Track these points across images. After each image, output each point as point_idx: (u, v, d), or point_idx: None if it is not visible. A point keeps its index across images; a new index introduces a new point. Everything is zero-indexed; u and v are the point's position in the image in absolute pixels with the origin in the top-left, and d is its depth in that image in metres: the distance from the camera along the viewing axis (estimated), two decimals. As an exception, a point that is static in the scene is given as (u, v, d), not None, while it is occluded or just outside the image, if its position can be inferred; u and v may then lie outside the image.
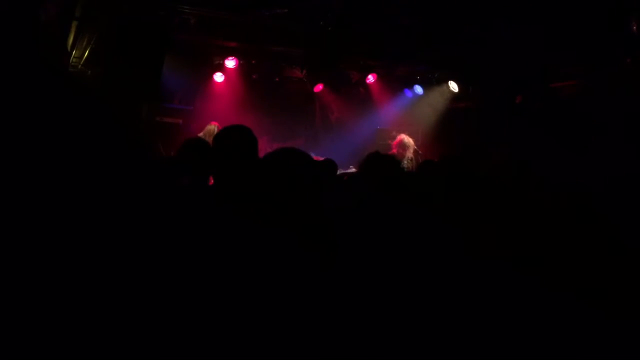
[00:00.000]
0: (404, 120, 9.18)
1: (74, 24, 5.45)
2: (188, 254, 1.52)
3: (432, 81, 9.24)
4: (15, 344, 0.93)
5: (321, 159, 5.44)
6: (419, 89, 9.22)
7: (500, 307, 1.86)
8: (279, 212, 1.72)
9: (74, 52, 6.08)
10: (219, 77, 7.97)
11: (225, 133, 2.50)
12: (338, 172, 4.84)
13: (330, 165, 4.62)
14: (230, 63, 7.73)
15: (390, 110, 9.47)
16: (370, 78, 8.84)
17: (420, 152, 7.29)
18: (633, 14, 5.72)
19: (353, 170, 6.59)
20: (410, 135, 7.37)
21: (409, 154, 7.02)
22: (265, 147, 7.94)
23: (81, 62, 6.29)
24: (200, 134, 6.76)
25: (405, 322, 1.72)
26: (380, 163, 2.54)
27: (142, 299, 1.18)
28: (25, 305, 0.95)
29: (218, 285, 1.54)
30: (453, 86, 8.91)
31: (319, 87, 8.86)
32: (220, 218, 1.82)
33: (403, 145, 7.03)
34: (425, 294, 1.82)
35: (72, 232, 1.02)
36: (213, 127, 6.94)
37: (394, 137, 8.26)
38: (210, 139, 2.52)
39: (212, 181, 2.51)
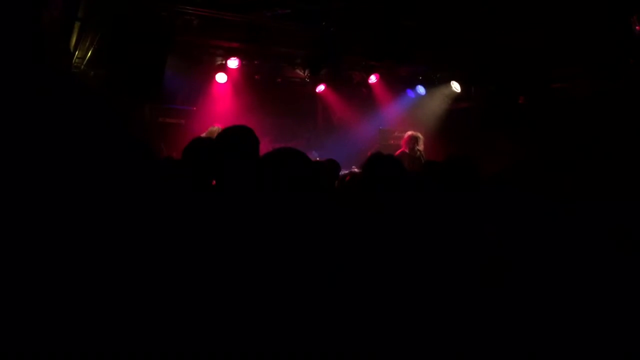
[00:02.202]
0: (407, 121, 9.18)
1: (77, 24, 5.46)
2: (188, 253, 1.52)
3: (435, 81, 9.24)
4: (15, 342, 0.93)
5: (321, 159, 5.42)
6: (421, 89, 9.22)
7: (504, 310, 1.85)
8: (277, 212, 1.72)
9: (76, 53, 6.09)
10: (221, 77, 7.97)
11: (227, 133, 2.50)
12: (341, 173, 4.83)
13: (333, 165, 4.62)
14: (233, 63, 7.72)
15: (392, 111, 9.47)
16: (373, 78, 8.84)
17: (423, 154, 7.29)
18: (636, 15, 5.70)
19: (356, 170, 6.58)
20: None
21: (420, 146, 7.06)
22: (267, 147, 7.92)
23: (84, 63, 6.29)
24: (203, 135, 6.76)
25: (408, 324, 1.72)
26: (382, 163, 2.54)
27: (145, 296, 1.18)
28: (26, 303, 0.95)
29: (217, 284, 1.54)
30: (455, 86, 8.91)
31: (321, 88, 8.87)
32: (221, 218, 1.82)
33: (413, 140, 7.06)
34: (429, 296, 1.82)
35: (77, 231, 1.02)
36: (216, 128, 6.93)
37: (397, 138, 8.28)
38: None
39: (215, 181, 2.51)
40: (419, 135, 7.18)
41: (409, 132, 7.24)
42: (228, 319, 1.49)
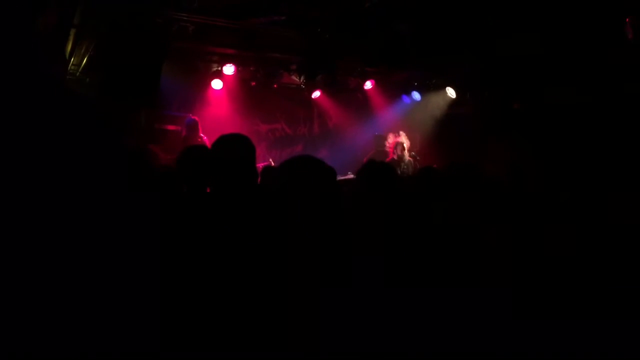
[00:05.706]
0: (402, 126, 9.20)
1: (73, 31, 5.46)
2: (182, 259, 1.52)
3: (430, 87, 9.27)
4: (13, 343, 0.93)
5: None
6: (416, 95, 9.24)
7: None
8: (277, 222, 1.72)
9: (72, 60, 6.09)
10: (217, 84, 7.95)
11: (223, 141, 2.50)
12: (337, 179, 4.82)
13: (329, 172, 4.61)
14: (229, 70, 7.71)
15: (388, 116, 9.49)
16: (368, 84, 8.85)
17: (418, 157, 7.29)
18: (630, 20, 5.74)
19: (351, 176, 6.58)
20: (408, 140, 7.43)
21: (406, 152, 7.11)
22: (263, 154, 7.93)
23: (79, 70, 6.30)
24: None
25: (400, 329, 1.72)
26: (378, 171, 2.54)
27: (140, 303, 1.17)
28: (21, 305, 0.95)
29: (212, 289, 1.54)
30: (450, 92, 8.93)
31: (317, 94, 8.88)
32: (216, 226, 1.82)
33: (399, 146, 7.17)
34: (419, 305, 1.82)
35: (70, 237, 1.02)
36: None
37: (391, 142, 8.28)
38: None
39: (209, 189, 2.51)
40: (403, 140, 7.26)
41: (394, 139, 7.34)
42: (216, 325, 1.49)
